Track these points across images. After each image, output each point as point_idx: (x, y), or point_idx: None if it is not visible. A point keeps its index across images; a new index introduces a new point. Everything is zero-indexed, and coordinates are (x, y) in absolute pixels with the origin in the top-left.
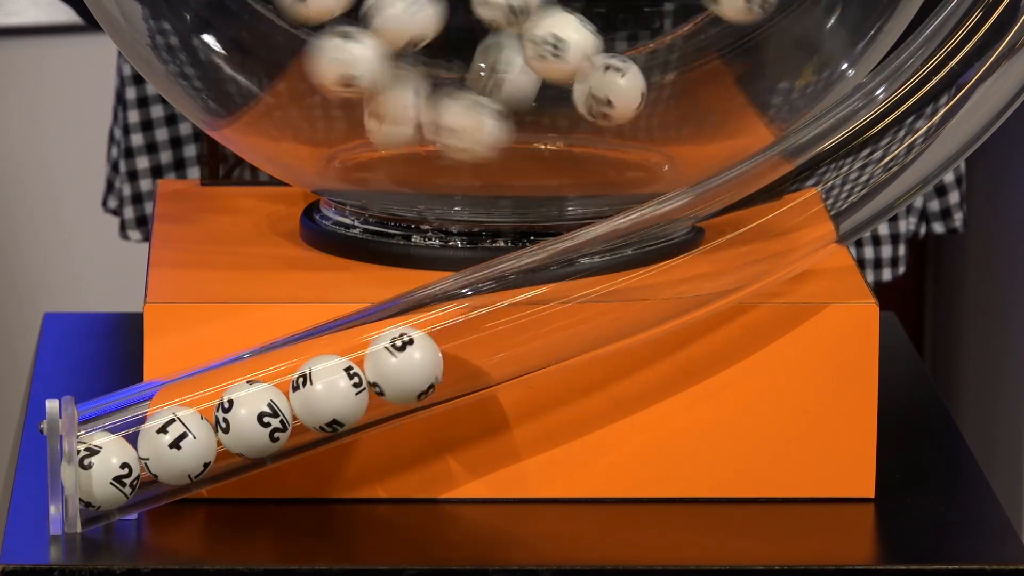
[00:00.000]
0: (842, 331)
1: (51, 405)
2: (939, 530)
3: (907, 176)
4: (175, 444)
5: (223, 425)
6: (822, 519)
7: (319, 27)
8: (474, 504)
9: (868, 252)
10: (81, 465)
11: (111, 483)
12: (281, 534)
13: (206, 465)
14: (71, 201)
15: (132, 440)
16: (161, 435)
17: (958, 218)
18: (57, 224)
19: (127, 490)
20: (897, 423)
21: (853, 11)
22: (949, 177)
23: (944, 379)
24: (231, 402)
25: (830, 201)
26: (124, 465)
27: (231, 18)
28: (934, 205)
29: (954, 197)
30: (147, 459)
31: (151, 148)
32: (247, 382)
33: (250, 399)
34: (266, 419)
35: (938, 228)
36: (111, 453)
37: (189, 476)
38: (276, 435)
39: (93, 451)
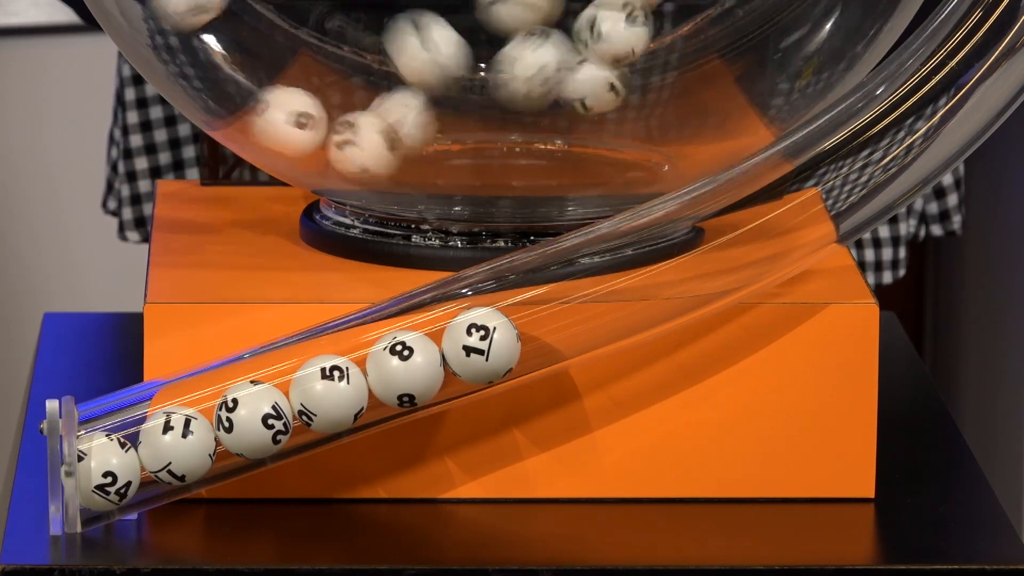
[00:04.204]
0: (842, 331)
1: (51, 405)
2: (939, 530)
3: (907, 176)
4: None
5: (225, 424)
6: (822, 519)
7: None
8: (474, 504)
9: (869, 255)
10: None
11: (94, 491)
12: (281, 534)
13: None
14: (71, 201)
15: (132, 440)
16: (170, 432)
17: (956, 220)
18: (57, 224)
19: (114, 498)
20: (897, 423)
21: (853, 11)
22: (948, 180)
23: (944, 379)
24: (235, 401)
25: (830, 201)
26: (107, 474)
27: (231, 18)
28: (932, 208)
29: (952, 200)
30: (170, 463)
31: (150, 149)
32: (251, 382)
33: (253, 399)
34: (270, 421)
35: (936, 231)
36: (92, 462)
37: (209, 455)
38: (279, 437)
39: (79, 457)
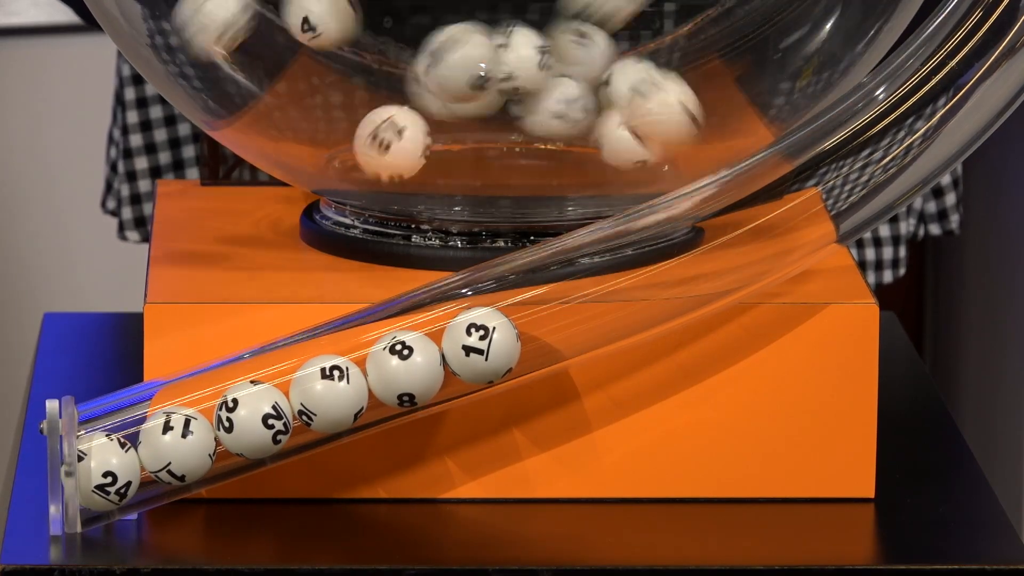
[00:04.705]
0: (842, 331)
1: (51, 405)
2: (939, 530)
3: (907, 176)
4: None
5: (225, 424)
6: (822, 519)
7: None
8: (474, 504)
9: (869, 254)
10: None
11: (94, 491)
12: (281, 534)
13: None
14: (71, 201)
15: (132, 440)
16: (170, 432)
17: (954, 220)
18: (57, 224)
19: (114, 498)
20: (897, 423)
21: (853, 11)
22: (946, 179)
23: (944, 379)
24: (235, 401)
25: (830, 201)
26: (107, 474)
27: None
28: (931, 207)
29: (950, 199)
30: (170, 463)
31: (150, 149)
32: (251, 382)
33: (253, 399)
34: (270, 421)
35: (935, 230)
36: (92, 462)
37: (209, 455)
38: (279, 437)
39: (79, 457)
